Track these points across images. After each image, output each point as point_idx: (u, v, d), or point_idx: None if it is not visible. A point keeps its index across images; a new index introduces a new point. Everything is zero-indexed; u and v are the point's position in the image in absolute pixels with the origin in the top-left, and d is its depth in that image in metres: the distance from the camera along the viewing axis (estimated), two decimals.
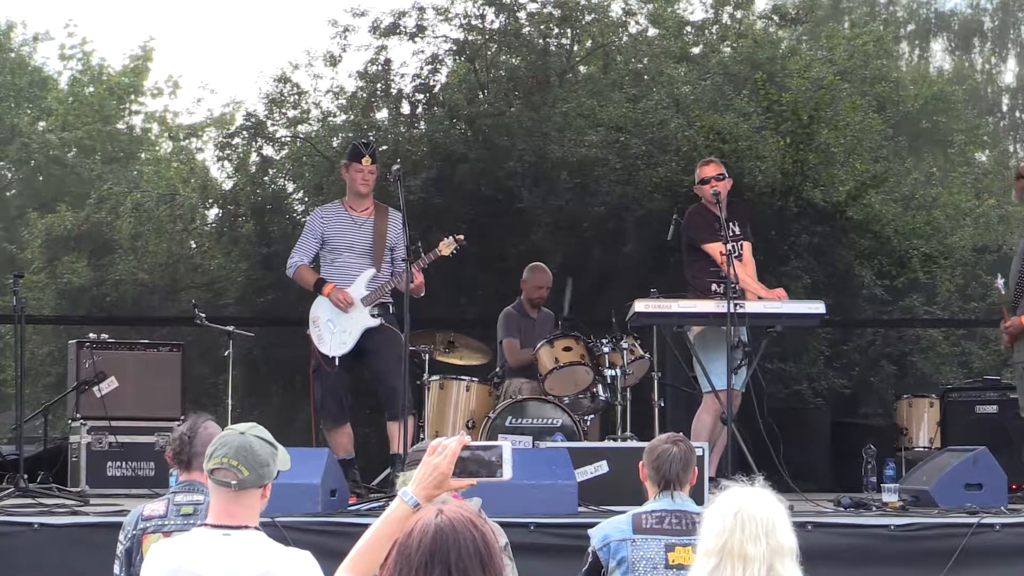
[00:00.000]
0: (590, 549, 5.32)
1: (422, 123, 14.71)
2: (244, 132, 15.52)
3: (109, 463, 9.72)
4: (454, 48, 14.86)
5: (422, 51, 14.77)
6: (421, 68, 14.73)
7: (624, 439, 9.03)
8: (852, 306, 13.54)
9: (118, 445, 9.71)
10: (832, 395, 13.30)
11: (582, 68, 15.92)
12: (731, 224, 8.69)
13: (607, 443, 8.95)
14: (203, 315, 9.53)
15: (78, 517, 7.30)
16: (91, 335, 10.10)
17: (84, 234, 16.35)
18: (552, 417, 9.01)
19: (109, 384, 9.82)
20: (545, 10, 14.77)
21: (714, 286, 8.72)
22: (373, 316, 8.68)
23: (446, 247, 8.61)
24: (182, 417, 9.04)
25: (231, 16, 44.07)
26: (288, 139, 15.46)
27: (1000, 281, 9.40)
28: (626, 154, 13.35)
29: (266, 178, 15.26)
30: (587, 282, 13.01)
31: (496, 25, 14.75)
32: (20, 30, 27.37)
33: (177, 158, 25.33)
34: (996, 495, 7.92)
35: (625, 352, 9.23)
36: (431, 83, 14.75)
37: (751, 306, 8.45)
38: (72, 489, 9.23)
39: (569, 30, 15.33)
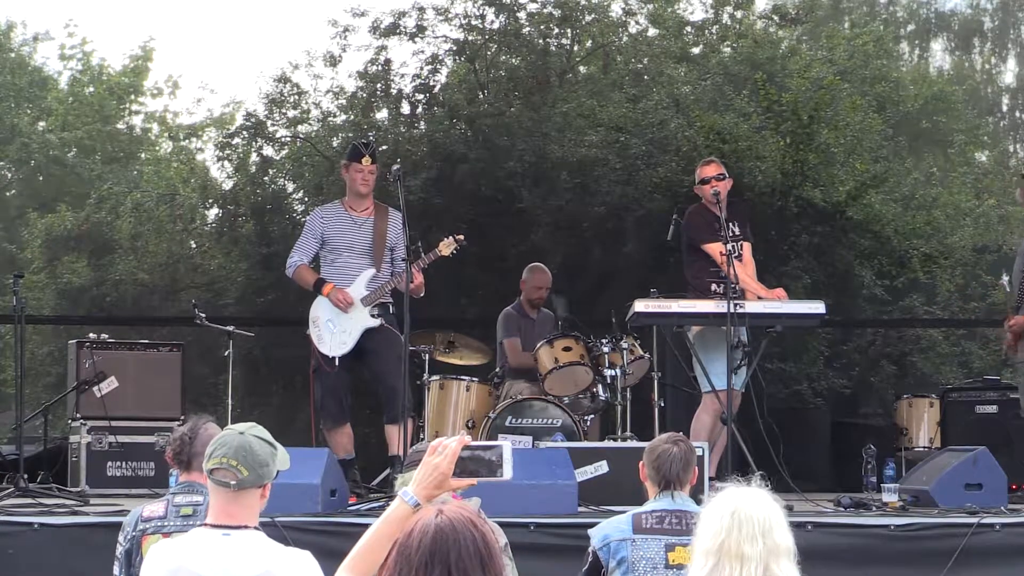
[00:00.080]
0: (590, 549, 5.32)
1: (422, 123, 14.71)
2: (244, 132, 15.53)
3: (109, 463, 9.72)
4: (454, 48, 14.86)
5: (422, 51, 14.80)
6: (421, 68, 14.74)
7: (624, 439, 9.03)
8: (852, 306, 13.54)
9: (118, 445, 9.71)
10: (832, 395, 13.30)
11: (582, 68, 15.92)
12: (731, 224, 8.69)
13: (607, 443, 8.95)
14: (203, 315, 9.53)
15: (78, 517, 7.29)
16: (91, 335, 10.10)
17: (84, 234, 16.35)
18: (552, 417, 9.01)
19: (109, 384, 9.82)
20: (545, 10, 14.77)
21: (714, 286, 8.72)
22: (373, 316, 8.68)
23: (446, 247, 8.61)
24: (182, 417, 9.07)
25: (231, 16, 44.11)
26: (288, 139, 15.47)
27: (1005, 279, 9.41)
28: (626, 154, 13.35)
29: (266, 178, 15.26)
30: (587, 282, 13.02)
31: (496, 25, 14.76)
32: (20, 30, 27.41)
33: (177, 158, 25.34)
34: (996, 495, 7.92)
35: (625, 352, 9.23)
36: (431, 83, 14.75)
37: (751, 306, 8.45)
38: (72, 489, 9.22)
39: (569, 30, 15.33)
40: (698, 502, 5.35)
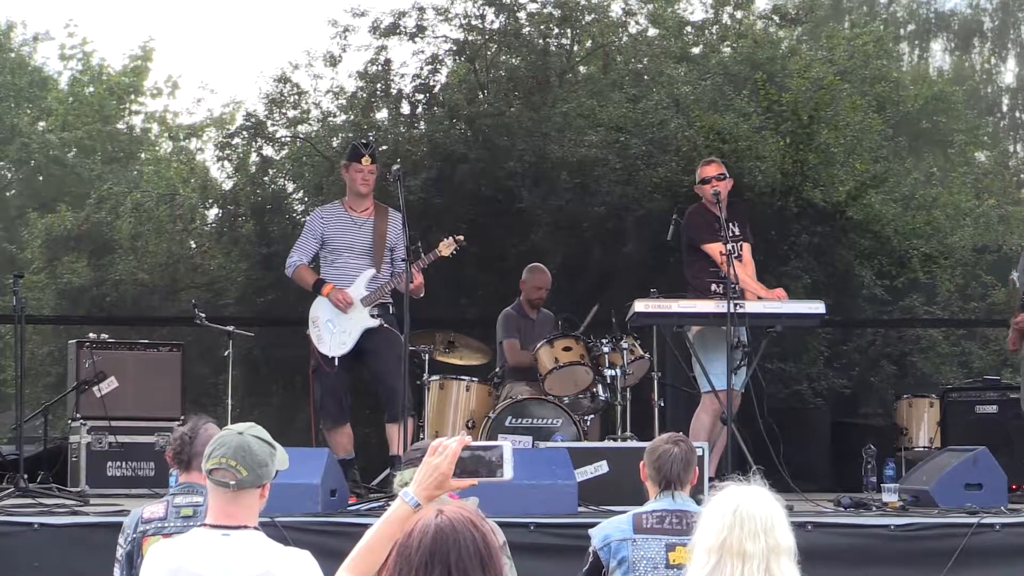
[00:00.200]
0: (591, 549, 5.32)
1: (422, 123, 14.71)
2: (244, 132, 15.53)
3: (109, 463, 9.72)
4: (454, 48, 14.86)
5: (422, 51, 14.80)
6: (421, 68, 14.74)
7: (624, 439, 9.03)
8: (852, 306, 13.54)
9: (118, 445, 9.71)
10: (832, 395, 13.30)
11: (582, 68, 15.92)
12: (731, 225, 8.69)
13: (607, 443, 8.95)
14: (203, 315, 9.53)
15: (78, 517, 7.29)
16: (91, 335, 10.10)
17: (84, 234, 16.36)
18: (552, 417, 9.01)
19: (109, 384, 9.82)
20: (545, 10, 14.77)
21: (714, 286, 8.71)
22: (373, 316, 8.68)
23: (446, 247, 8.61)
24: (182, 417, 9.07)
25: (231, 16, 44.11)
26: (288, 139, 15.47)
27: (1015, 274, 9.43)
28: (626, 154, 13.35)
29: (266, 178, 15.27)
30: (587, 282, 13.02)
31: (496, 25, 14.76)
32: (20, 30, 27.40)
33: (177, 158, 25.34)
34: (996, 495, 7.92)
35: (625, 352, 9.23)
36: (431, 83, 14.75)
37: (751, 306, 8.45)
38: (72, 489, 9.22)
39: (569, 30, 15.33)
40: (698, 502, 5.35)
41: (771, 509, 3.70)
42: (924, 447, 10.77)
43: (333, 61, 15.17)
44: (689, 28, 16.79)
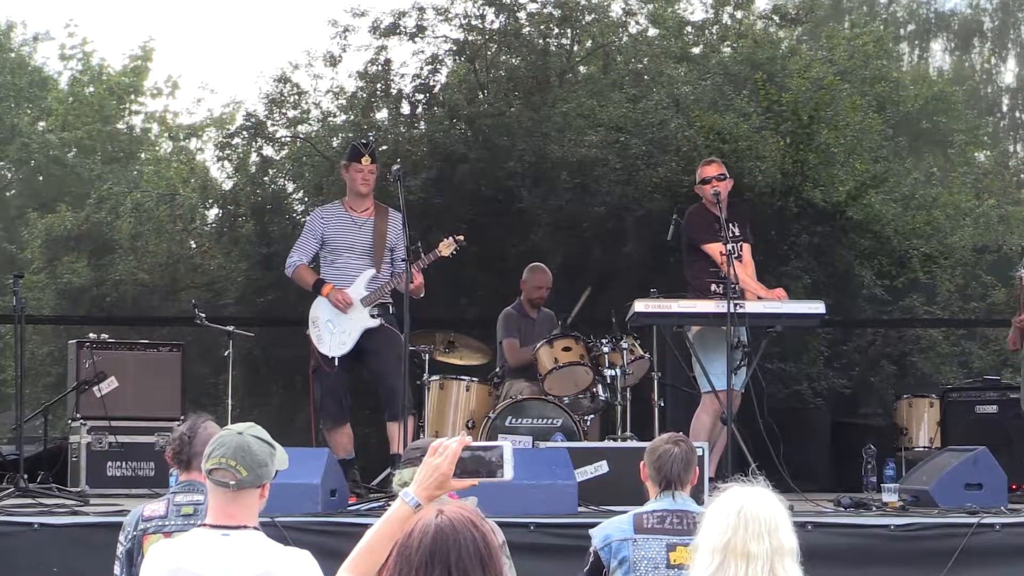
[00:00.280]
0: (591, 549, 5.32)
1: (422, 123, 14.71)
2: (244, 132, 15.53)
3: (109, 463, 9.72)
4: (454, 48, 14.86)
5: (422, 51, 14.80)
6: (421, 68, 14.74)
7: (624, 439, 9.03)
8: (852, 306, 13.54)
9: (118, 445, 9.71)
10: (832, 395, 13.30)
11: (582, 68, 15.92)
12: (731, 225, 8.69)
13: (607, 443, 8.95)
14: (203, 315, 9.53)
15: (78, 517, 7.30)
16: (91, 335, 10.10)
17: (84, 234, 16.36)
18: (552, 417, 9.01)
19: (109, 384, 9.82)
20: (545, 10, 14.77)
21: (714, 286, 8.71)
22: (373, 316, 8.68)
23: (446, 248, 8.61)
24: (182, 417, 9.03)
25: (231, 16, 44.11)
26: (288, 139, 15.47)
27: (1022, 271, 9.44)
28: (626, 154, 13.35)
29: (266, 178, 15.27)
30: (587, 282, 13.01)
31: (496, 25, 14.76)
32: (20, 30, 27.41)
33: (177, 158, 25.34)
34: (996, 495, 7.92)
35: (625, 352, 9.23)
36: (431, 83, 14.75)
37: (751, 306, 8.44)
38: (72, 489, 9.22)
39: (569, 30, 15.33)
40: (698, 502, 5.36)
41: (775, 510, 3.71)
42: (924, 447, 10.78)
43: (333, 61, 15.18)
44: (689, 28, 16.79)
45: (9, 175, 26.46)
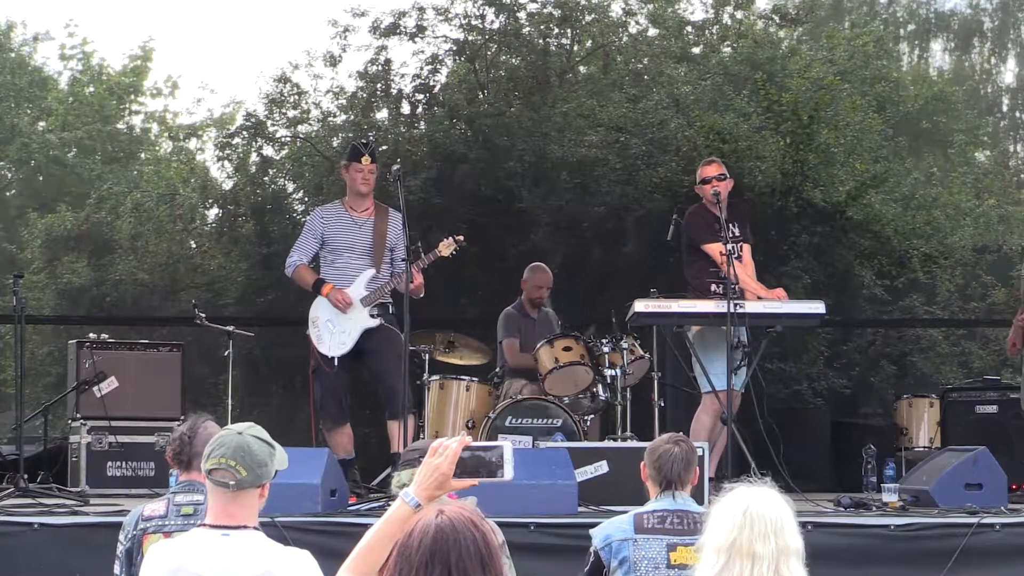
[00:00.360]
0: (592, 549, 5.32)
1: (422, 123, 14.71)
2: (244, 132, 15.53)
3: (109, 463, 9.72)
4: (454, 48, 14.86)
5: (422, 51, 14.80)
6: (421, 68, 14.74)
7: (624, 439, 9.02)
8: (852, 306, 13.54)
9: (118, 445, 9.71)
10: (832, 395, 13.30)
11: (582, 68, 15.92)
12: (731, 225, 8.69)
13: (607, 443, 8.95)
14: (203, 315, 9.53)
15: (78, 517, 7.30)
16: (91, 335, 10.09)
17: (84, 234, 16.36)
18: (552, 417, 9.00)
19: (109, 384, 9.82)
20: (545, 10, 14.77)
21: (714, 286, 8.71)
22: (372, 316, 8.68)
23: (446, 248, 8.61)
24: (182, 417, 9.04)
25: (231, 16, 44.11)
26: (288, 139, 15.47)
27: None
28: (626, 154, 13.35)
29: (266, 178, 15.27)
30: (587, 282, 13.02)
31: (496, 25, 14.76)
32: (20, 30, 27.41)
33: (177, 158, 25.34)
34: (996, 495, 7.92)
35: (625, 352, 9.22)
36: (431, 83, 14.76)
37: (751, 306, 8.45)
38: (72, 489, 9.22)
39: (569, 30, 15.33)
40: (699, 502, 5.36)
41: (781, 511, 3.71)
42: (924, 447, 10.77)
43: (333, 61, 15.18)
44: (689, 28, 16.79)
45: (9, 175, 26.46)
